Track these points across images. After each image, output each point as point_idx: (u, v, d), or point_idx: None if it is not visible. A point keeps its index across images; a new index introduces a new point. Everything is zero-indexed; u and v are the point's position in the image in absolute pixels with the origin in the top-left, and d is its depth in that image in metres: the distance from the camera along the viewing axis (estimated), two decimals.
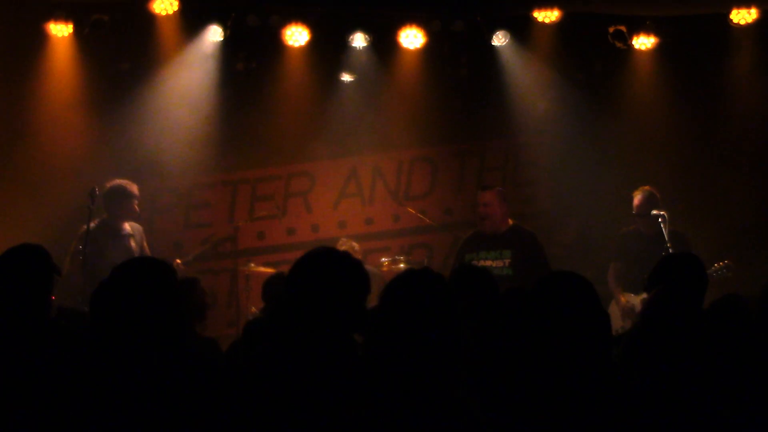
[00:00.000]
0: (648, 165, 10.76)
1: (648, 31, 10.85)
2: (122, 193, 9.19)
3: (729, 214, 10.87)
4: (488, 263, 8.43)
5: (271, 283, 7.11)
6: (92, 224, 8.80)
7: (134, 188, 9.28)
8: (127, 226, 9.29)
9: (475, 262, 8.31)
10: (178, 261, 9.46)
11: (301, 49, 11.01)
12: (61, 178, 10.52)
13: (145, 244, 9.42)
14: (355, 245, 10.29)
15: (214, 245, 9.98)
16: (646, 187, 9.22)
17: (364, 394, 3.30)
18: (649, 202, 9.07)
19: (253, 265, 10.26)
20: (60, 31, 10.52)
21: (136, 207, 9.29)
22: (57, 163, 10.60)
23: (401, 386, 3.26)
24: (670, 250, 8.15)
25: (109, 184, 9.20)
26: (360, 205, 11.89)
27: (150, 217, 11.00)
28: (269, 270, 10.13)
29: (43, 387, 3.51)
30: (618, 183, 10.53)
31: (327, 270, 3.75)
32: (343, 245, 10.13)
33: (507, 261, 8.50)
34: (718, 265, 8.82)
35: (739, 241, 10.34)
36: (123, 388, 3.42)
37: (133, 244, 9.21)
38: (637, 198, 9.21)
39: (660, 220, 8.70)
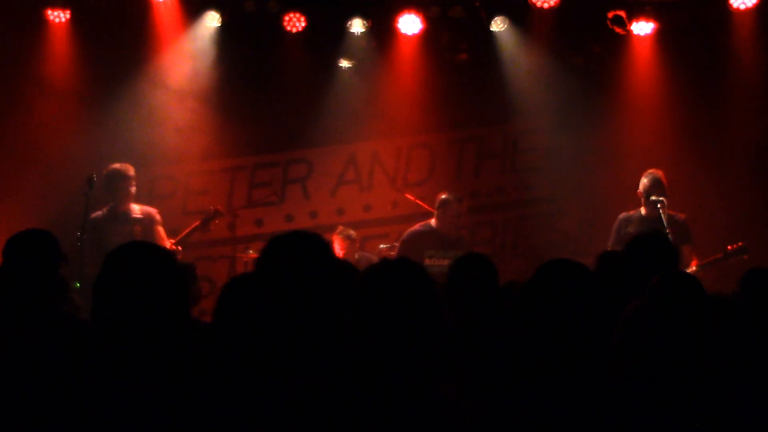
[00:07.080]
0: (649, 151, 10.70)
1: (647, 16, 10.80)
2: (117, 176, 9.34)
3: (736, 198, 10.79)
4: (446, 262, 8.81)
5: None
6: (101, 212, 9.11)
7: (130, 170, 9.41)
8: (137, 212, 9.39)
9: (435, 261, 8.99)
10: (172, 241, 9.50)
11: (299, 35, 11.00)
12: (59, 165, 10.53)
13: (158, 228, 9.50)
14: (353, 232, 10.27)
15: (204, 222, 9.91)
16: (653, 170, 9.13)
17: (343, 380, 3.27)
18: (652, 186, 9.00)
19: (251, 251, 10.22)
20: (57, 17, 10.50)
21: (132, 189, 9.36)
22: (55, 151, 10.61)
23: (379, 374, 3.24)
24: (669, 236, 8.12)
25: (105, 170, 9.34)
26: (358, 192, 11.85)
27: (148, 204, 11.01)
28: None
29: (46, 375, 3.47)
30: (618, 169, 10.49)
31: (295, 254, 3.63)
32: (341, 232, 10.12)
33: None
34: (732, 247, 8.77)
35: (750, 226, 10.26)
36: (127, 377, 3.39)
37: (138, 228, 9.25)
38: (643, 181, 9.13)
39: (659, 205, 8.68)
